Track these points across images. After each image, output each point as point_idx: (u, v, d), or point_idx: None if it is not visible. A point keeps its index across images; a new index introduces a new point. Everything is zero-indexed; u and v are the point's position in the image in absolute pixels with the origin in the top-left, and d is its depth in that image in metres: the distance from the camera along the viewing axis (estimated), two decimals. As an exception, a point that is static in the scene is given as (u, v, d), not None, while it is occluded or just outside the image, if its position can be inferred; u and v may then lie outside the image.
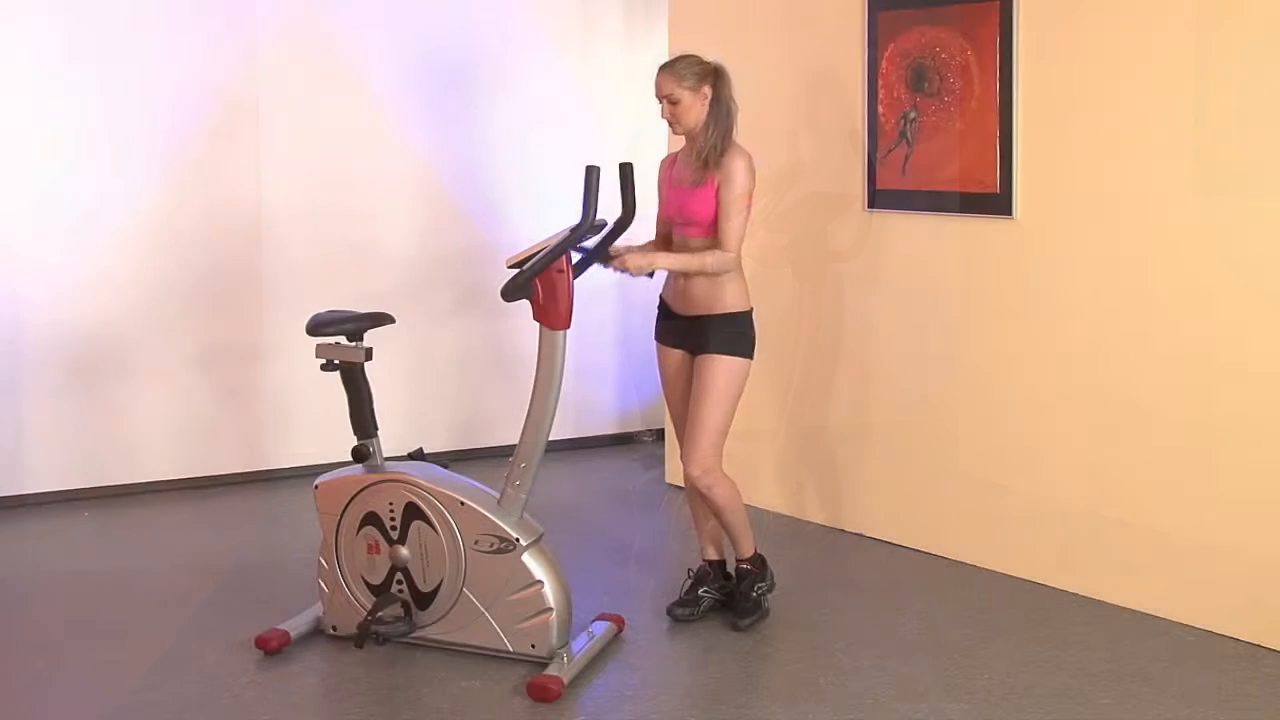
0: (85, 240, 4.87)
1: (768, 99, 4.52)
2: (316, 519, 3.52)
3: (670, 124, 3.53)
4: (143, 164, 4.92)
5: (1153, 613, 3.71)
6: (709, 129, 3.47)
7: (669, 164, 3.67)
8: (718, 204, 3.45)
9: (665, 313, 3.65)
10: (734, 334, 3.52)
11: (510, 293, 3.26)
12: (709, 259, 3.44)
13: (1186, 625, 3.63)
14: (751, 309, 3.56)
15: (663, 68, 3.51)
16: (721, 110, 3.48)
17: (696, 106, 3.46)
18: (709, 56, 3.54)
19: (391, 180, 5.35)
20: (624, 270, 3.44)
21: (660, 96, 3.49)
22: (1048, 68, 3.87)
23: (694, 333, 3.55)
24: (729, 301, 3.51)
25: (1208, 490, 3.59)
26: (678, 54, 3.60)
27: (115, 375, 4.95)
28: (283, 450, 5.24)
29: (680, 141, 3.66)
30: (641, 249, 3.53)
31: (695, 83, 3.45)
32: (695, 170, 3.49)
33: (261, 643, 3.42)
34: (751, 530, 3.70)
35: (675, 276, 3.57)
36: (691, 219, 3.50)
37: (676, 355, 3.63)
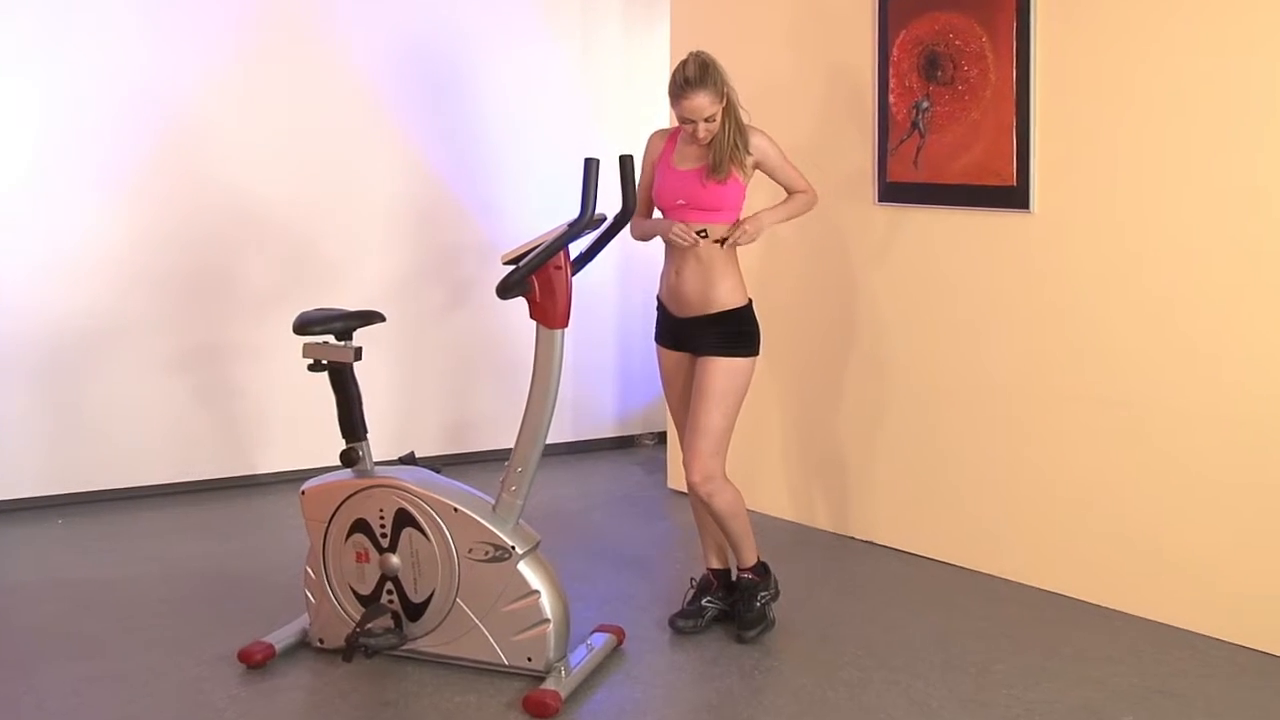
0: (60, 236, 4.85)
1: (773, 88, 4.51)
2: (303, 526, 3.51)
3: (700, 140, 3.46)
4: (121, 156, 4.91)
5: (1179, 625, 3.69)
6: (725, 127, 3.44)
7: (667, 142, 3.59)
8: (777, 176, 3.58)
9: (663, 314, 3.63)
10: (734, 332, 3.51)
11: (506, 290, 3.25)
12: (802, 202, 3.61)
13: (1214, 639, 3.61)
14: (750, 302, 3.55)
15: (696, 87, 3.34)
16: (730, 106, 3.45)
17: (721, 113, 3.43)
18: (693, 48, 3.48)
19: (382, 173, 5.35)
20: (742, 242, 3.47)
21: (699, 119, 3.39)
22: (1067, 54, 3.85)
23: (693, 334, 3.54)
24: (724, 299, 3.50)
25: (1235, 499, 3.57)
26: (680, 49, 3.55)
27: (91, 376, 4.93)
28: (268, 454, 5.23)
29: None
30: (748, 221, 3.48)
31: (721, 90, 3.40)
32: (715, 165, 3.44)
33: (245, 656, 3.41)
34: (754, 538, 3.69)
35: (669, 275, 3.55)
36: (709, 205, 3.47)
37: (677, 357, 3.62)
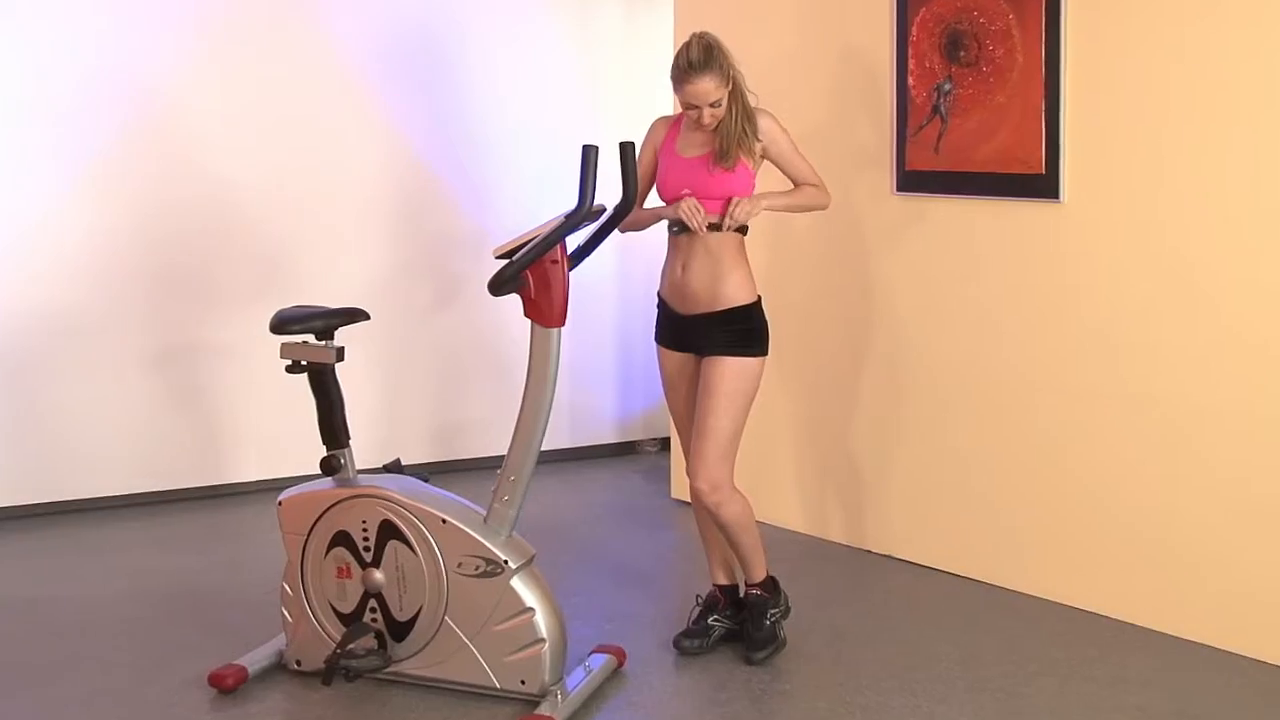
0: (17, 227, 4.82)
1: (784, 70, 4.50)
2: (280, 539, 3.48)
3: (705, 126, 3.45)
4: (84, 140, 4.89)
5: (1223, 646, 3.65)
6: (732, 113, 3.44)
7: (670, 128, 3.59)
8: (784, 165, 3.56)
9: (665, 311, 3.63)
10: (741, 331, 3.50)
11: (498, 286, 3.23)
12: (811, 195, 3.58)
13: (1263, 663, 3.57)
14: (759, 299, 3.54)
15: (701, 71, 3.34)
16: (737, 89, 3.45)
17: (727, 97, 3.42)
18: (696, 29, 3.48)
19: (367, 160, 5.34)
20: (725, 228, 3.44)
21: (704, 104, 3.39)
22: (1100, 31, 3.82)
23: (697, 333, 3.53)
24: (732, 295, 3.48)
25: (1280, 507, 3.54)
26: (684, 29, 3.54)
27: (53, 378, 4.90)
28: (243, 462, 5.22)
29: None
30: (747, 200, 3.45)
31: (727, 74, 3.39)
32: (721, 152, 3.44)
33: (216, 680, 3.38)
34: (764, 551, 3.67)
35: (674, 269, 3.54)
36: (716, 195, 3.46)
37: (679, 358, 3.61)
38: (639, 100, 5.44)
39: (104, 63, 4.88)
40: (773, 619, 3.65)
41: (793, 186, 3.60)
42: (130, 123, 4.93)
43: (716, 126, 3.44)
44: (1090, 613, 3.92)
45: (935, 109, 4.19)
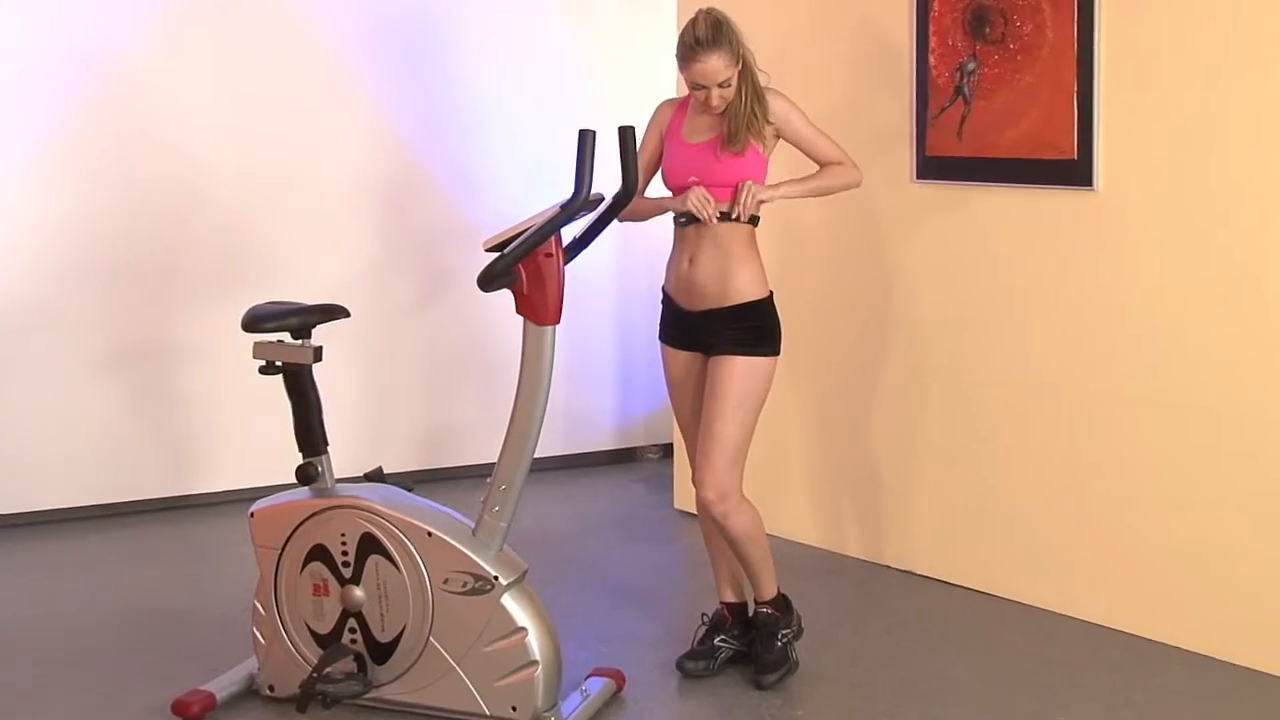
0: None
1: (796, 49, 4.50)
2: (251, 554, 3.47)
3: (713, 108, 3.44)
4: (39, 122, 4.87)
5: (1268, 670, 3.62)
6: (742, 93, 3.44)
7: (676, 112, 3.59)
8: (803, 145, 3.54)
9: (671, 308, 3.63)
10: (752, 328, 3.49)
11: (489, 281, 3.23)
12: (837, 174, 3.54)
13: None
14: (770, 294, 3.54)
15: (709, 49, 3.35)
16: (747, 69, 3.46)
17: (737, 77, 3.42)
18: (703, 5, 3.48)
19: (347, 145, 5.36)
20: (736, 216, 3.41)
21: (712, 85, 3.38)
22: (1136, 7, 3.80)
23: (704, 330, 3.53)
24: (742, 289, 3.48)
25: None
26: (689, 5, 3.55)
27: (2, 380, 4.88)
28: (212, 471, 5.23)
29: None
30: (759, 186, 3.43)
31: (737, 52, 3.39)
32: (730, 135, 3.44)
33: (181, 707, 3.35)
34: (775, 566, 3.67)
35: (680, 263, 3.55)
36: (725, 181, 3.46)
37: (686, 358, 3.61)
38: (639, 82, 5.46)
39: (61, 33, 4.85)
40: (784, 640, 3.64)
41: (816, 169, 3.58)
42: (89, 100, 4.91)
43: (725, 109, 3.43)
44: (1125, 633, 3.90)
45: (958, 90, 4.19)
